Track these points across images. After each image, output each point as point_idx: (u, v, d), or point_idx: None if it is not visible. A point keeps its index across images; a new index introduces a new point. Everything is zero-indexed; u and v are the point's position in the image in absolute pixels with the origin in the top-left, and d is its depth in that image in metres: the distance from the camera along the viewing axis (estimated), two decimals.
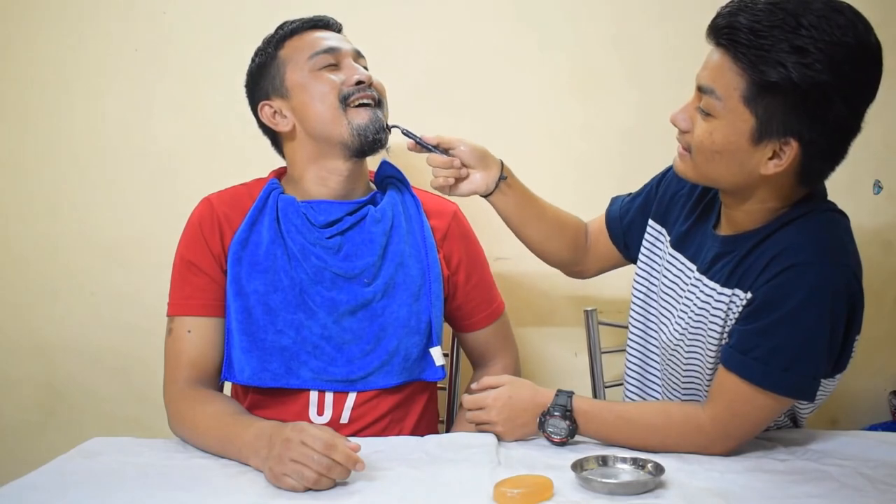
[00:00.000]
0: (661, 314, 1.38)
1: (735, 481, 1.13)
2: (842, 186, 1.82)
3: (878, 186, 1.86)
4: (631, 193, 1.53)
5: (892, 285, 1.89)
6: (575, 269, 1.56)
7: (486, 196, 1.44)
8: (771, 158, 1.16)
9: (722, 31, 1.13)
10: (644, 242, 1.45)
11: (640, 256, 1.46)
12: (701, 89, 1.18)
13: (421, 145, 1.40)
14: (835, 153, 1.18)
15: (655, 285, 1.41)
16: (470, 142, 1.41)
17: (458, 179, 1.41)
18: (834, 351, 1.20)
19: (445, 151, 1.40)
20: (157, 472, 1.18)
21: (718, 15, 1.15)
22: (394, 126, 1.42)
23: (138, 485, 1.13)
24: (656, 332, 1.40)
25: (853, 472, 1.16)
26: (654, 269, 1.43)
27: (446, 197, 1.48)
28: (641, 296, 1.44)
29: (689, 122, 1.21)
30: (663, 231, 1.43)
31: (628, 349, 1.47)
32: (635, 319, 1.45)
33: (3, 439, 1.95)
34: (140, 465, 1.21)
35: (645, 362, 1.44)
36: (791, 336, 1.16)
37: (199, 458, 1.25)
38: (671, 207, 1.42)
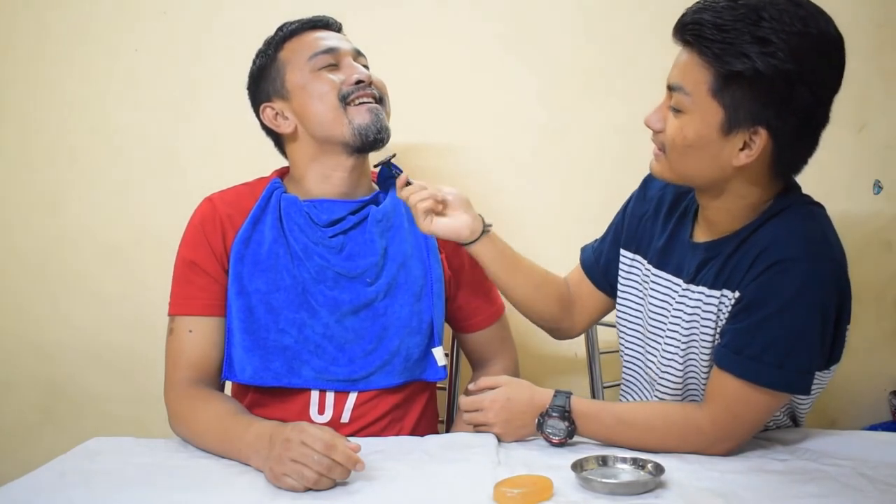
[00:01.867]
0: (653, 336, 1.37)
1: (735, 481, 1.12)
2: (842, 186, 1.84)
3: (878, 186, 1.86)
4: (597, 238, 1.54)
5: (892, 285, 1.89)
6: (564, 324, 1.52)
7: (468, 244, 1.39)
8: (742, 150, 1.18)
9: (687, 28, 1.17)
10: (620, 273, 1.45)
11: (619, 288, 1.45)
12: (671, 88, 1.21)
13: (405, 180, 1.39)
14: (804, 142, 1.20)
15: (640, 311, 1.41)
16: (455, 189, 1.39)
17: (438, 214, 1.37)
18: (826, 343, 1.20)
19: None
20: (157, 472, 1.18)
21: (683, 15, 1.19)
22: (390, 161, 1.42)
23: (138, 485, 1.13)
24: (643, 356, 1.40)
25: (853, 472, 1.16)
26: (636, 296, 1.42)
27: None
28: (627, 325, 1.43)
29: (662, 122, 1.23)
30: (637, 257, 1.43)
31: (624, 378, 1.47)
32: (627, 349, 1.44)
33: (3, 439, 1.95)
34: (140, 465, 1.21)
35: (641, 385, 1.43)
36: (783, 332, 1.17)
37: (200, 458, 1.25)
38: (641, 232, 1.42)
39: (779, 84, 1.11)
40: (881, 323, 1.88)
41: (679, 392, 1.33)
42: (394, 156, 1.44)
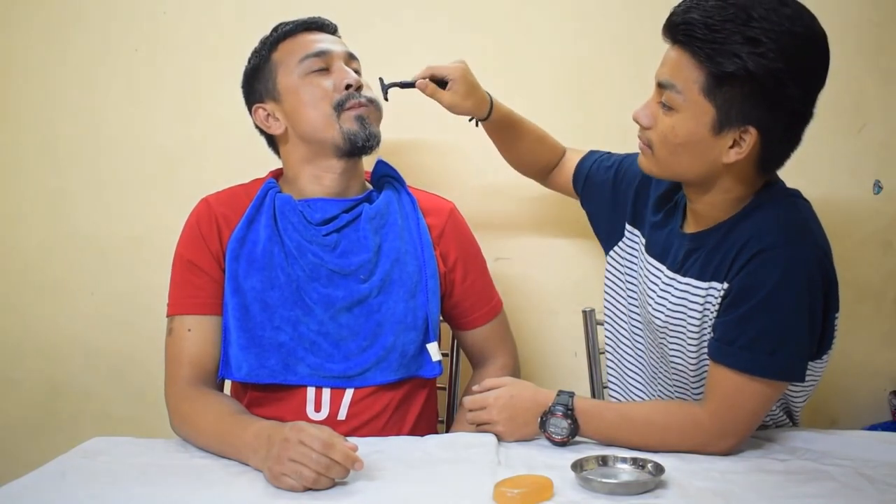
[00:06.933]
0: (642, 311, 1.39)
1: (735, 481, 1.13)
2: (842, 186, 1.84)
3: (878, 186, 1.86)
4: (608, 155, 1.55)
5: (892, 285, 1.88)
6: (542, 180, 1.64)
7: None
8: (732, 147, 1.20)
9: (678, 28, 1.19)
10: (622, 245, 1.48)
11: (615, 258, 1.48)
12: (661, 85, 1.23)
13: (406, 85, 1.46)
14: (791, 139, 1.23)
15: (635, 286, 1.42)
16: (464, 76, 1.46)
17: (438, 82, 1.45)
18: (815, 329, 1.22)
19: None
20: (157, 472, 1.18)
21: (672, 14, 1.21)
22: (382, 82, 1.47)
23: (138, 485, 1.13)
24: (628, 330, 1.42)
25: (853, 472, 1.16)
26: (632, 270, 1.44)
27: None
28: (613, 295, 1.47)
29: (652, 118, 1.25)
30: (638, 234, 1.45)
31: (608, 355, 1.50)
32: (612, 319, 1.47)
33: (3, 439, 1.95)
34: (140, 465, 1.21)
35: (623, 364, 1.44)
36: (771, 320, 1.18)
37: (200, 458, 1.25)
38: (640, 208, 1.45)
39: (770, 83, 1.14)
40: (881, 323, 1.88)
41: (667, 384, 1.34)
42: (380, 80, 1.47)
